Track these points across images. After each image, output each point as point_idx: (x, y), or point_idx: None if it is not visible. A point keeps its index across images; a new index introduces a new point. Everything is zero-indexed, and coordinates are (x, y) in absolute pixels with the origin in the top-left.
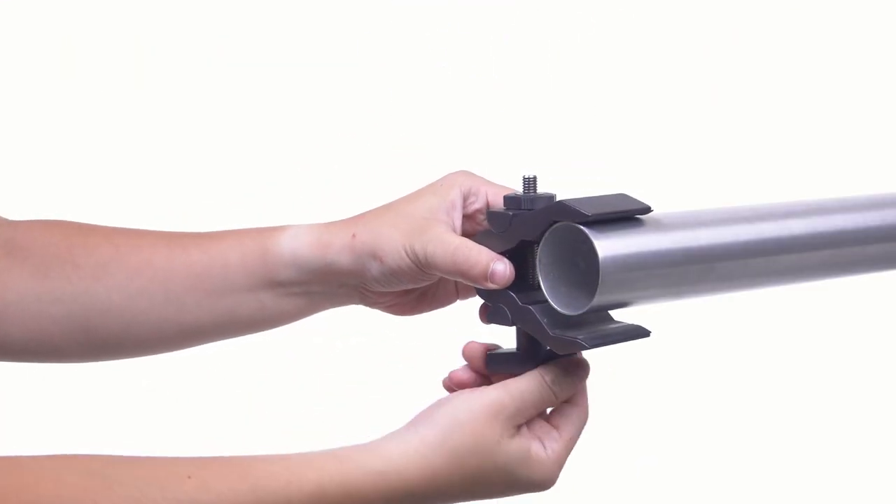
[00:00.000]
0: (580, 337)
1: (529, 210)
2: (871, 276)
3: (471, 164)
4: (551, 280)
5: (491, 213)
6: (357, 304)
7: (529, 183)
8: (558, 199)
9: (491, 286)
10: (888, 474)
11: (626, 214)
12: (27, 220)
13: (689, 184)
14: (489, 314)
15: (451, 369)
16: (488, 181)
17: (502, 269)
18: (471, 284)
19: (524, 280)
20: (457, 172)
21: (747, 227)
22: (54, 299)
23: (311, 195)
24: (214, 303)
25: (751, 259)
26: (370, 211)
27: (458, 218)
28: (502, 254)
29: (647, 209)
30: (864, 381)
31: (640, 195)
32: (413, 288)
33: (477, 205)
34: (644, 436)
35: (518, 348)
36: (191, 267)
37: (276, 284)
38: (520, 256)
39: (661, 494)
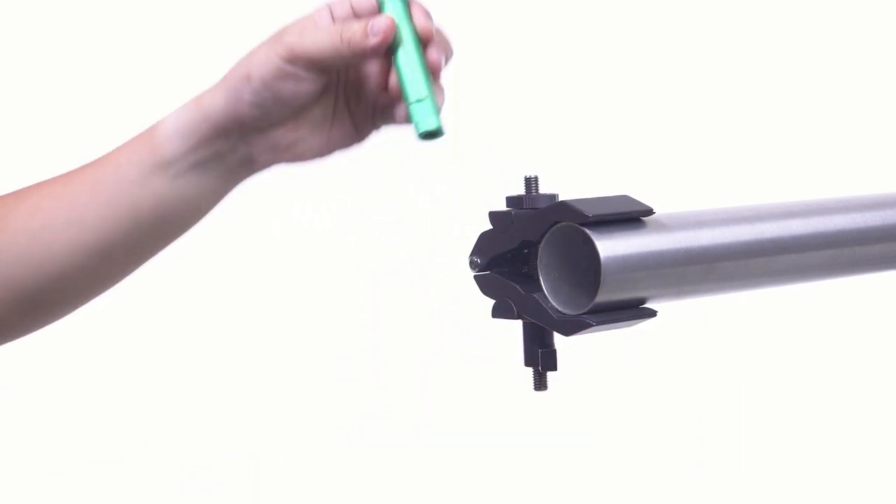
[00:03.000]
0: (587, 316)
1: (531, 210)
2: (871, 276)
3: (471, 164)
4: (552, 280)
5: (493, 213)
6: (255, 170)
7: (531, 183)
8: (560, 199)
9: (374, 41)
10: (888, 474)
11: (627, 216)
12: None
13: (689, 184)
14: (494, 308)
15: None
16: None
17: (377, 20)
18: (357, 53)
19: (526, 278)
20: None
21: (747, 227)
22: None
23: (310, 196)
24: (114, 210)
25: (751, 259)
26: None
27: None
28: (503, 254)
29: (649, 211)
30: (865, 381)
31: (642, 196)
32: (297, 117)
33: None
34: (644, 436)
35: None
36: (85, 184)
37: (165, 165)
38: (521, 256)
39: (661, 494)
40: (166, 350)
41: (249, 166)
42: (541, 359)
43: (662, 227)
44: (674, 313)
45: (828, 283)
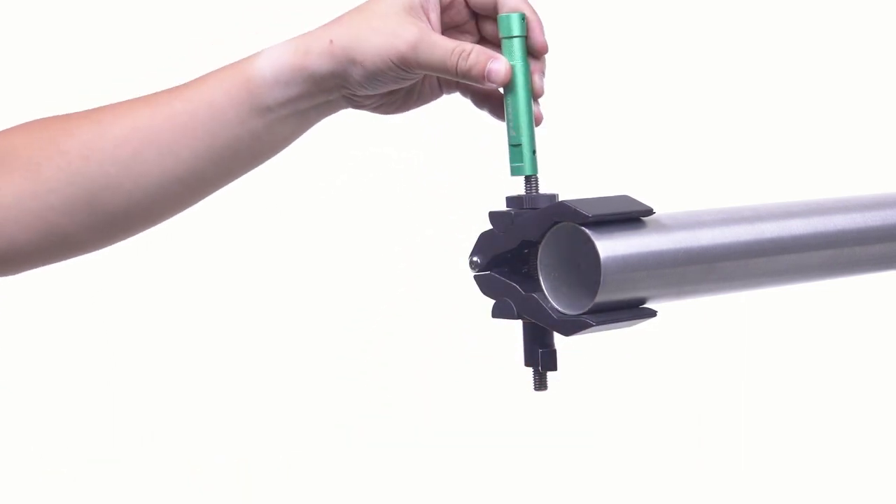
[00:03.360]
0: (587, 316)
1: (531, 210)
2: (871, 276)
3: (472, 164)
4: (552, 280)
5: (493, 213)
6: (345, 108)
7: (531, 183)
8: (560, 199)
9: (489, 85)
10: (888, 474)
11: (627, 216)
12: (5, 129)
13: (689, 184)
14: (494, 308)
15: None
16: None
17: (497, 66)
18: (467, 82)
19: (526, 278)
20: None
21: (747, 227)
22: (50, 190)
23: (310, 195)
24: (209, 146)
25: (751, 259)
26: (344, 14)
27: (435, 10)
28: (503, 254)
29: (649, 211)
30: (864, 381)
31: (642, 196)
32: (398, 88)
33: None
34: (644, 436)
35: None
36: (176, 118)
37: (265, 110)
38: (521, 256)
39: (661, 494)
40: (166, 350)
41: (338, 108)
42: (541, 359)
43: (662, 227)
44: (674, 313)
45: (828, 283)
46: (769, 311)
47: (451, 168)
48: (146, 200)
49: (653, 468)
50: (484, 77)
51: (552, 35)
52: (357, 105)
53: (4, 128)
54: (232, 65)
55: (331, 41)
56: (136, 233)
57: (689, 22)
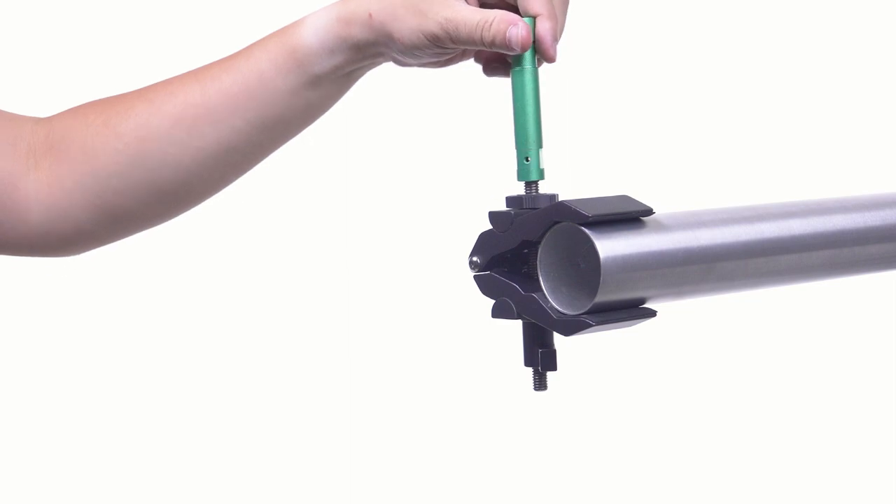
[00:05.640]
0: (587, 316)
1: (531, 210)
2: (871, 276)
3: (473, 163)
4: (552, 280)
5: (493, 213)
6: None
7: (531, 183)
8: (560, 199)
9: (514, 48)
10: (888, 474)
11: (627, 216)
12: (57, 114)
13: (689, 184)
14: (494, 308)
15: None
16: None
17: (515, 32)
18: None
19: (526, 278)
20: None
21: (747, 227)
22: (111, 174)
23: (310, 195)
24: (262, 115)
25: (751, 259)
26: None
27: None
28: (503, 254)
29: (649, 211)
30: (864, 381)
31: (642, 196)
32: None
33: None
34: (644, 436)
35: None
36: (228, 92)
37: (313, 77)
38: (521, 256)
39: (661, 494)
40: (165, 350)
41: (387, 61)
42: (541, 359)
43: (662, 227)
44: (674, 313)
45: (828, 283)
46: (769, 311)
47: (451, 168)
48: (205, 173)
49: (653, 468)
50: (506, 44)
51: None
52: (401, 64)
53: (53, 113)
54: (276, 34)
55: (370, 14)
56: (197, 204)
57: (688, 22)
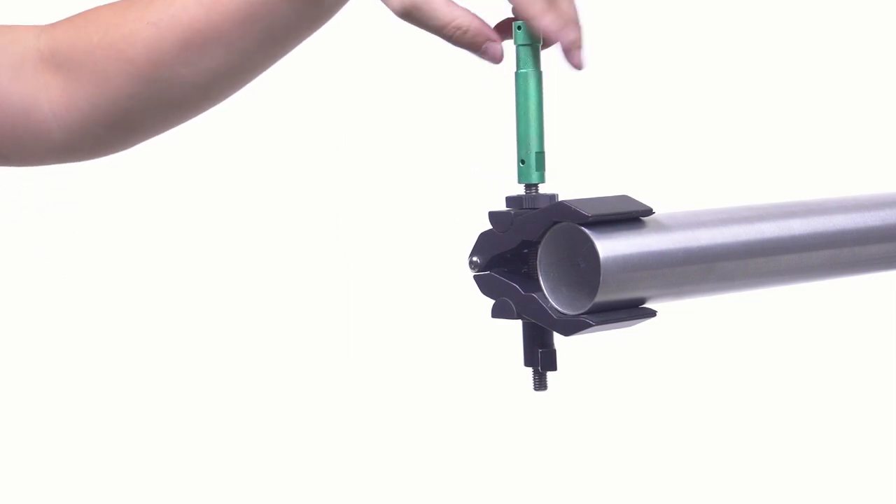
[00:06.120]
0: (587, 316)
1: (531, 210)
2: (871, 276)
3: (472, 163)
4: (552, 280)
5: (493, 213)
6: None
7: (532, 184)
8: (560, 199)
9: (485, 57)
10: (888, 474)
11: (627, 216)
12: (56, 26)
13: (689, 184)
14: (494, 308)
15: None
16: None
17: (494, 47)
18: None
19: (526, 278)
20: None
21: (747, 227)
22: (127, 96)
23: (310, 195)
24: (269, 27)
25: (751, 259)
26: None
27: None
28: (502, 254)
29: (649, 211)
30: (864, 381)
31: (642, 196)
32: None
33: None
34: (644, 436)
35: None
36: (233, 14)
37: (318, 2)
38: (521, 256)
39: (661, 494)
40: (164, 349)
41: None
42: (541, 359)
43: (662, 227)
44: (674, 313)
45: (828, 283)
46: (769, 311)
47: (451, 168)
48: (216, 86)
49: (653, 468)
50: (478, 48)
51: None
52: None
53: (46, 23)
54: None
55: None
56: (202, 112)
57: (688, 22)
